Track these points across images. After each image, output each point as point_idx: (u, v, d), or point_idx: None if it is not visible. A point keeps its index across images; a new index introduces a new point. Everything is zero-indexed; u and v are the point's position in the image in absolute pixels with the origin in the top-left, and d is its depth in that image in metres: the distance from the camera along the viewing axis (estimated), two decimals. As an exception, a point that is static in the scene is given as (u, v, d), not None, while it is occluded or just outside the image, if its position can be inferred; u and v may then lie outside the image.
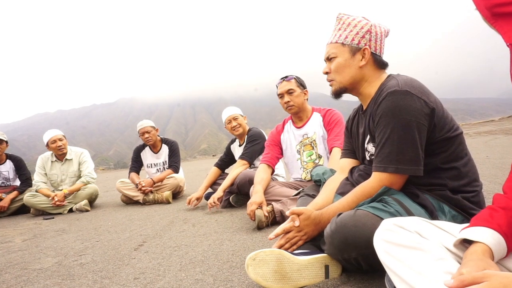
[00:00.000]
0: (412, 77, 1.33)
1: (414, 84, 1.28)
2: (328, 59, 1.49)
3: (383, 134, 1.28)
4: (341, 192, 1.51)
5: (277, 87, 2.70)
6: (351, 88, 1.48)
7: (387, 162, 1.27)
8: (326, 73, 1.51)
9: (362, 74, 1.44)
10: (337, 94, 1.50)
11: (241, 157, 3.38)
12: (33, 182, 4.42)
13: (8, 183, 4.57)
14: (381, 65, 1.45)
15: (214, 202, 3.09)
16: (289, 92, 2.63)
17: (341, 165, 1.70)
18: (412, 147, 1.23)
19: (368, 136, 1.45)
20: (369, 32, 1.42)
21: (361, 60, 1.42)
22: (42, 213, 4.15)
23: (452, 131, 1.29)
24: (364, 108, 1.50)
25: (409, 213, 1.20)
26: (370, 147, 1.45)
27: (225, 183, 3.20)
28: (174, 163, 4.47)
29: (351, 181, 1.55)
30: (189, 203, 3.39)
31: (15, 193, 4.41)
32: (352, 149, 1.67)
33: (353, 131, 1.64)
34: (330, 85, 1.51)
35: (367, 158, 1.49)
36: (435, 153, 1.28)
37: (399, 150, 1.25)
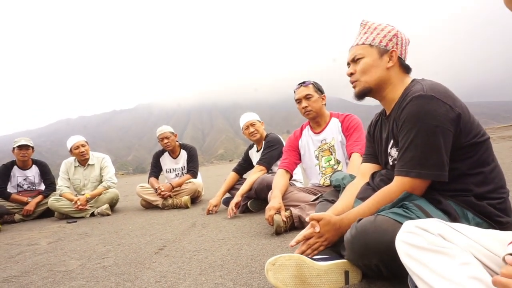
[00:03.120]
0: (437, 82, 1.32)
1: (440, 89, 1.26)
2: (354, 61, 1.48)
3: (406, 139, 1.27)
4: (362, 197, 1.50)
5: (294, 92, 2.71)
6: (376, 89, 1.46)
7: (409, 167, 1.26)
8: (351, 74, 1.50)
9: (388, 76, 1.44)
10: (361, 95, 1.49)
11: (259, 163, 3.40)
12: (57, 187, 4.56)
13: (33, 187, 4.73)
14: (406, 69, 1.46)
15: (232, 209, 3.11)
16: (307, 97, 2.63)
17: (362, 170, 1.69)
18: (436, 152, 1.22)
19: (392, 141, 1.44)
20: (396, 36, 1.43)
21: (388, 62, 1.43)
22: (66, 216, 4.27)
23: (479, 136, 1.26)
24: (388, 113, 1.50)
25: None
26: (394, 152, 1.43)
27: (243, 188, 3.22)
28: (192, 168, 4.53)
29: (372, 186, 1.54)
30: (208, 213, 3.47)
31: (40, 197, 4.56)
32: (374, 154, 1.66)
33: (375, 136, 1.63)
34: (354, 87, 1.50)
35: (390, 163, 1.48)
36: (461, 159, 1.26)
37: (423, 155, 1.23)
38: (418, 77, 1.44)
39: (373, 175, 1.61)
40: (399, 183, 1.29)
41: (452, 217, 1.21)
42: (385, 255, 1.14)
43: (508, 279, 0.67)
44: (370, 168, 1.65)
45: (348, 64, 1.53)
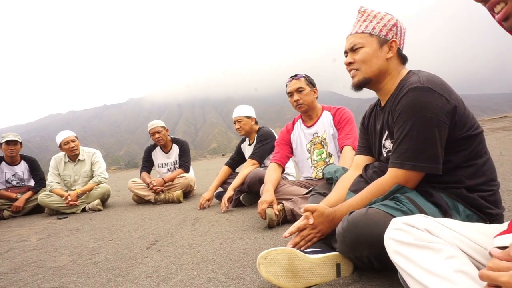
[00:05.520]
0: (434, 73, 1.31)
1: (436, 81, 1.25)
2: (352, 50, 1.44)
3: (402, 130, 1.27)
4: (354, 189, 1.49)
5: (286, 85, 2.70)
6: (375, 80, 1.43)
7: (404, 159, 1.26)
8: (349, 63, 1.45)
9: (387, 67, 1.41)
10: (360, 85, 1.45)
11: (251, 157, 3.39)
12: (47, 182, 4.51)
13: (23, 183, 4.67)
14: (404, 60, 1.45)
15: (224, 203, 3.10)
16: (299, 90, 2.62)
17: (355, 162, 1.68)
18: (432, 145, 1.21)
19: (386, 132, 1.43)
20: (395, 26, 1.41)
21: (388, 52, 1.40)
22: (56, 212, 4.22)
23: (473, 129, 1.26)
24: (383, 104, 1.48)
25: (422, 212, 1.18)
26: (388, 144, 1.42)
27: (235, 182, 3.21)
28: (184, 162, 4.50)
29: (365, 178, 1.54)
30: (201, 207, 3.45)
31: (29, 193, 4.50)
32: (367, 146, 1.65)
33: (369, 127, 1.62)
34: (352, 76, 1.46)
35: (384, 154, 1.47)
36: (455, 151, 1.26)
37: (418, 147, 1.23)
38: (414, 69, 1.43)
39: (366, 167, 1.60)
40: (393, 175, 1.29)
41: (443, 210, 1.22)
42: (376, 247, 1.14)
43: (495, 272, 0.67)
44: (364, 160, 1.65)
45: (346, 52, 1.48)
